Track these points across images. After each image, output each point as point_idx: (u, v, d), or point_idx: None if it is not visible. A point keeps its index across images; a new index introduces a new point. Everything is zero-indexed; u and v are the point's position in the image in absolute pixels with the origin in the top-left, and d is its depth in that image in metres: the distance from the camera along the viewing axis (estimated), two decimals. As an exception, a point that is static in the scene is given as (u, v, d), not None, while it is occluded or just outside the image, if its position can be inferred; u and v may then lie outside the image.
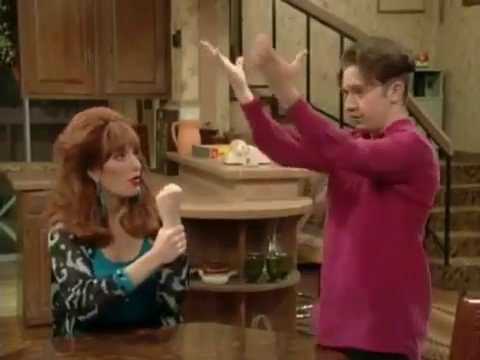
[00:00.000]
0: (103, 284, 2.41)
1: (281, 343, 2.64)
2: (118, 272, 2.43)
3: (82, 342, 2.46)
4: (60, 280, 2.47)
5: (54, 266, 2.50)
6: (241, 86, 2.45)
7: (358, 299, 2.43)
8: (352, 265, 2.44)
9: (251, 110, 2.44)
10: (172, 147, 5.35)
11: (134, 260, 2.50)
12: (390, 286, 2.42)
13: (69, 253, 2.47)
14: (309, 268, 4.52)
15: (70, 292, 2.43)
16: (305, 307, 5.28)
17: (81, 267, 2.47)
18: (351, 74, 2.43)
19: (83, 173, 2.53)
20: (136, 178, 2.54)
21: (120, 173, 2.52)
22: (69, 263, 2.46)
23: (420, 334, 2.47)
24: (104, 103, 7.21)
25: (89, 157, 2.50)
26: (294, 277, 4.21)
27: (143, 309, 2.56)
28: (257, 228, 4.11)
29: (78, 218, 2.50)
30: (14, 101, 7.31)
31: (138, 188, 2.56)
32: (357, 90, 2.43)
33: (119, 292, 2.41)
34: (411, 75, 2.48)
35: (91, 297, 2.41)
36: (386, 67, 2.40)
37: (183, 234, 2.49)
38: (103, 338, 2.46)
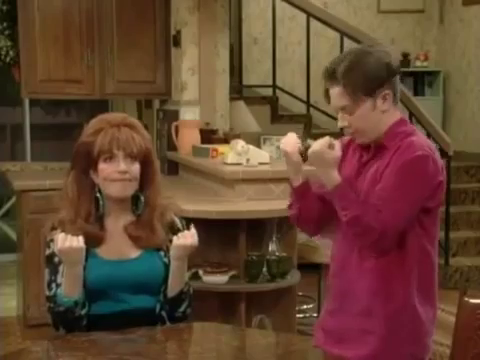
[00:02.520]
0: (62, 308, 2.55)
1: (281, 343, 2.64)
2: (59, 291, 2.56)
3: (82, 342, 2.46)
4: (48, 293, 2.62)
5: (47, 277, 2.64)
6: (299, 170, 2.56)
7: (374, 315, 2.43)
8: (368, 281, 2.44)
9: (299, 191, 2.57)
10: (172, 147, 5.35)
11: (135, 259, 2.61)
12: (407, 301, 2.43)
13: (60, 268, 2.59)
14: (309, 268, 4.52)
15: (51, 307, 2.60)
16: (305, 307, 5.29)
17: None
18: (337, 95, 2.43)
19: (82, 172, 2.64)
20: (122, 180, 2.60)
21: (106, 174, 2.60)
22: (59, 280, 2.59)
23: (429, 347, 2.49)
24: (104, 103, 7.23)
25: (85, 157, 2.62)
26: (294, 277, 4.20)
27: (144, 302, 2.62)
28: (257, 228, 4.11)
29: (70, 214, 2.61)
30: (14, 101, 7.30)
31: (127, 192, 2.63)
32: (346, 109, 2.44)
33: (61, 308, 2.54)
34: (397, 78, 2.46)
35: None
36: (370, 82, 2.39)
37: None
38: (103, 338, 2.46)
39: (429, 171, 2.37)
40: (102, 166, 2.60)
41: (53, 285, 2.61)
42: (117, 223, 2.66)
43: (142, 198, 2.68)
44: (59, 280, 2.59)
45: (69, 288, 2.53)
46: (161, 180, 2.77)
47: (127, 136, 2.60)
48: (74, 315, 2.54)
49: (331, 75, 2.43)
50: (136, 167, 2.62)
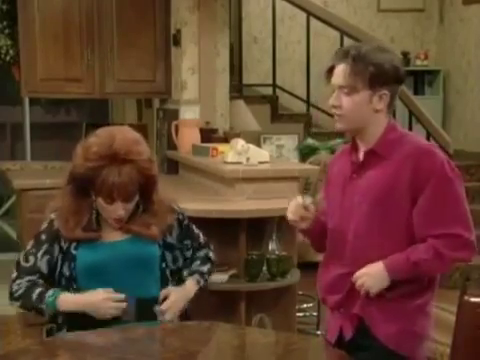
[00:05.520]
0: (36, 291, 2.65)
1: (281, 342, 2.64)
2: (51, 292, 2.64)
3: (83, 341, 2.47)
4: (23, 263, 2.75)
5: (28, 247, 2.75)
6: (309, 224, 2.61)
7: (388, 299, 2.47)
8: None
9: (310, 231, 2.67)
10: (172, 146, 5.35)
11: (121, 241, 2.71)
12: (416, 288, 2.47)
13: (44, 246, 2.71)
14: (309, 267, 4.51)
15: (20, 278, 2.74)
16: (305, 306, 5.29)
17: (44, 265, 2.71)
18: (341, 72, 2.46)
19: (80, 189, 2.69)
20: (119, 220, 2.69)
21: (105, 212, 2.69)
22: (39, 255, 2.71)
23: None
24: (104, 102, 7.23)
25: (84, 182, 2.66)
26: (294, 276, 4.20)
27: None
28: (257, 227, 4.10)
29: (65, 223, 2.69)
30: (14, 100, 7.31)
31: (121, 225, 2.72)
32: (344, 90, 2.46)
33: (41, 306, 2.65)
34: (399, 87, 2.50)
35: (23, 293, 2.68)
36: (375, 74, 2.42)
37: (120, 304, 2.64)
38: (104, 336, 2.46)
39: (455, 170, 2.44)
40: (102, 204, 2.66)
41: (31, 257, 2.71)
42: (109, 224, 2.74)
43: (141, 208, 2.74)
44: (39, 254, 2.69)
45: (68, 307, 2.64)
46: (160, 187, 2.78)
47: (127, 181, 2.60)
48: (39, 310, 2.66)
49: (343, 54, 2.47)
50: (132, 204, 2.68)
